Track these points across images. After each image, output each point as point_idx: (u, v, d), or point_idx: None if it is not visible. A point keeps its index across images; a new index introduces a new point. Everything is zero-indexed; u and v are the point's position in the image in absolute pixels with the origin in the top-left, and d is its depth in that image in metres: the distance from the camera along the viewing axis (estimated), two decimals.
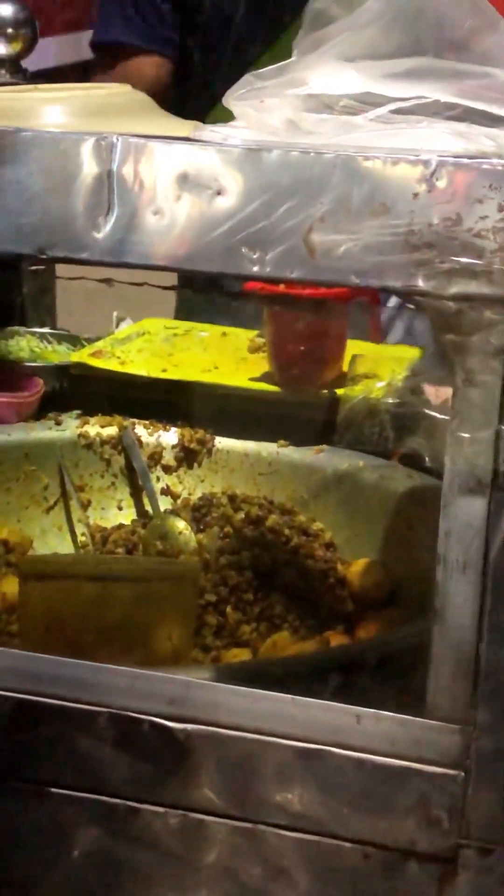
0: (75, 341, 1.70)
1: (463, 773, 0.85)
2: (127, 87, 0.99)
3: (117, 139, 0.82)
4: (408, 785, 0.86)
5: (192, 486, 1.51)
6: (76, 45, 3.63)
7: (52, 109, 0.93)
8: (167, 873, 0.92)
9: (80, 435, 1.50)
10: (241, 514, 1.39)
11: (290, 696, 0.88)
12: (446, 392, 1.29)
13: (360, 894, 0.89)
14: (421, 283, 0.79)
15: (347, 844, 0.88)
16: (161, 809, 0.91)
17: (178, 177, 0.82)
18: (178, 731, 0.89)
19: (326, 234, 0.80)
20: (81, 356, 1.61)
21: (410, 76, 0.98)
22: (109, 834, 0.92)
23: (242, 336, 1.70)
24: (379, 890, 0.88)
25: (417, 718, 0.86)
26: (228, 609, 1.27)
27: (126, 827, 0.92)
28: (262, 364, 1.60)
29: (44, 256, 0.84)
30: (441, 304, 0.79)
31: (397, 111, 0.95)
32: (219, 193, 0.81)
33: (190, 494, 1.50)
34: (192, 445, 1.51)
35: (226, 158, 0.81)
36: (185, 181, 0.82)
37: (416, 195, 0.79)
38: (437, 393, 1.37)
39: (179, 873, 0.91)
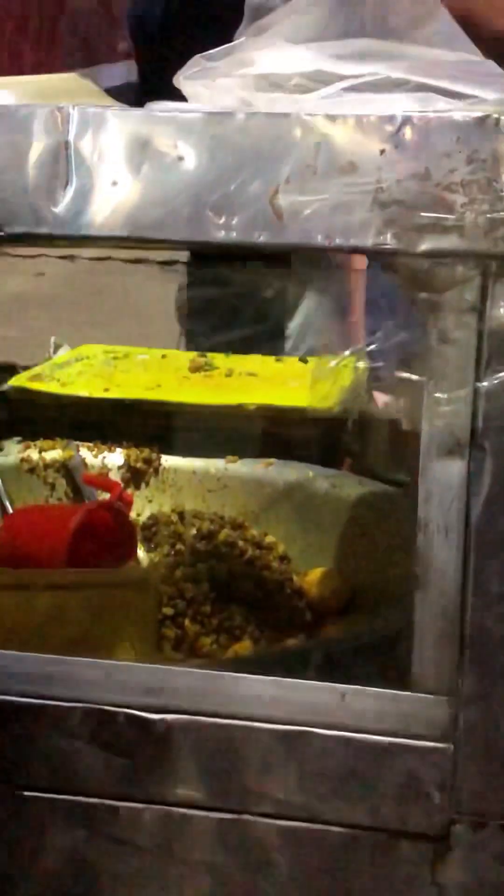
0: (11, 370, 1.67)
1: (452, 746, 0.83)
2: (74, 75, 0.98)
3: (73, 108, 0.81)
4: (396, 761, 0.84)
5: (141, 506, 1.48)
6: None
7: (3, 94, 0.91)
8: (150, 872, 0.88)
9: (22, 459, 1.47)
10: (193, 530, 1.36)
11: (271, 677, 0.85)
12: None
13: (351, 880, 0.86)
14: (391, 241, 0.78)
15: (335, 828, 0.85)
16: (141, 806, 0.87)
17: (137, 145, 0.80)
18: (156, 723, 0.86)
19: (293, 195, 0.78)
20: (20, 381, 1.58)
21: (359, 56, 0.98)
22: (88, 835, 0.88)
23: (182, 357, 1.69)
24: (370, 873, 0.85)
25: (403, 692, 0.84)
26: (187, 622, 1.24)
27: (105, 827, 0.88)
28: (204, 382, 1.58)
29: (2, 234, 0.82)
30: (412, 261, 0.78)
31: (350, 88, 0.94)
32: (180, 160, 0.80)
33: (138, 515, 1.47)
34: (139, 465, 1.48)
35: (186, 124, 0.80)
36: (145, 149, 0.80)
37: (382, 151, 0.77)
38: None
39: (163, 871, 0.88)
